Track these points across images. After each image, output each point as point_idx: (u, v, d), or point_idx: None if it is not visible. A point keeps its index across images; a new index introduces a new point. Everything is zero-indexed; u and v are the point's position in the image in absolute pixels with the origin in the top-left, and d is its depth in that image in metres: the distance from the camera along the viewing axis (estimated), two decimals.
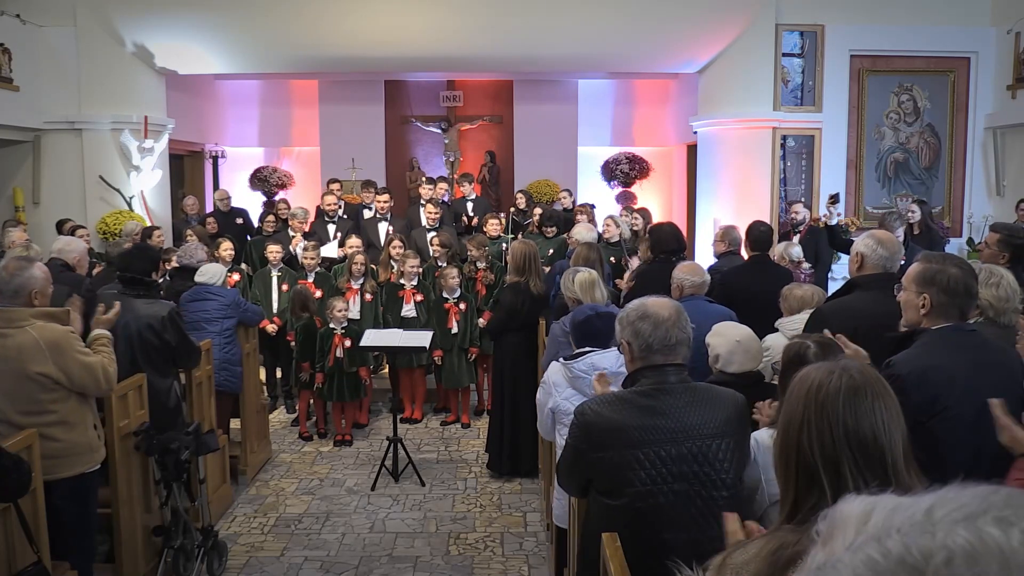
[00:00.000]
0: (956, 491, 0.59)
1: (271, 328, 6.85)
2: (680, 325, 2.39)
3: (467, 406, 7.00)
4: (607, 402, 2.40)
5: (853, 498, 0.66)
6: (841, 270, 7.90)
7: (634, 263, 6.49)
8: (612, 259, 6.61)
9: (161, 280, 6.16)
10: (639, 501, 2.27)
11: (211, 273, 5.69)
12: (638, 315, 2.40)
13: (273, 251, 7.13)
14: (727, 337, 3.25)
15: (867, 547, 0.56)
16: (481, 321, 6.72)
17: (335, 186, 8.83)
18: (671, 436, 2.27)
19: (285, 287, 7.00)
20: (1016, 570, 0.50)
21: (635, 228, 8.10)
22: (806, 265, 6.37)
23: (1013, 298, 3.03)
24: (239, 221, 9.42)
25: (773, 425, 2.53)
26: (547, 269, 6.84)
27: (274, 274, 7.09)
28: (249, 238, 8.56)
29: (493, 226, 7.90)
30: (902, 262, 3.40)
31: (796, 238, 7.20)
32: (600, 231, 7.30)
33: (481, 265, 7.06)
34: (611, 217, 7.63)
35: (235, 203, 9.83)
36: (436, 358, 6.65)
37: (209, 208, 11.22)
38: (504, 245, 7.48)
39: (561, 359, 3.57)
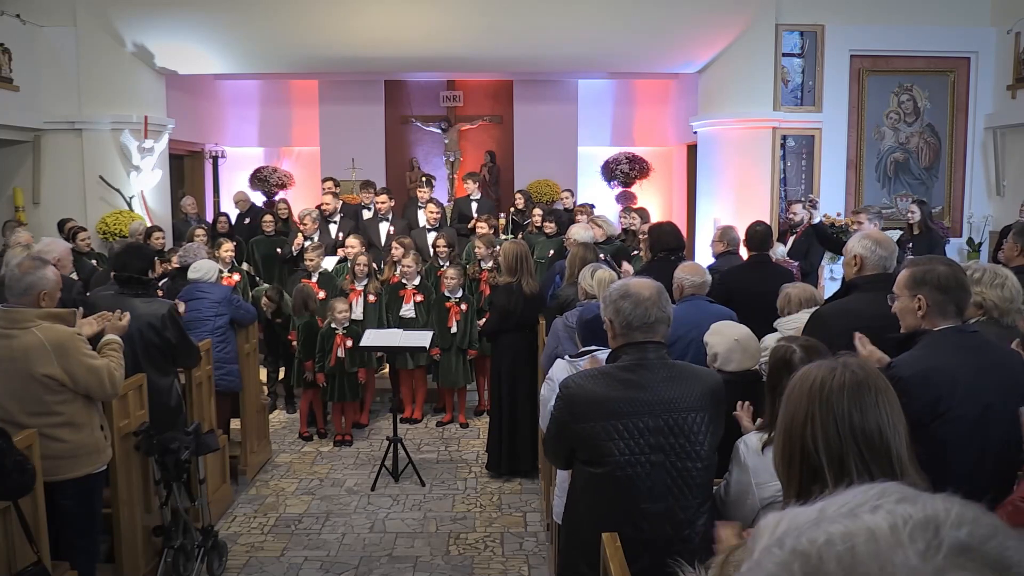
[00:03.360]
0: (843, 492, 0.70)
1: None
2: (660, 305, 2.49)
3: (464, 406, 7.00)
4: (589, 376, 2.53)
5: (769, 513, 0.77)
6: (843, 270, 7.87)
7: (625, 267, 6.48)
8: (601, 257, 6.60)
9: (163, 281, 6.17)
10: (619, 471, 2.39)
11: (204, 269, 5.62)
12: (620, 294, 2.51)
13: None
14: (725, 336, 3.25)
15: (773, 547, 0.66)
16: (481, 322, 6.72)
17: (328, 184, 8.70)
18: (649, 408, 2.39)
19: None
20: (881, 540, 0.60)
21: (632, 227, 8.11)
22: (794, 263, 6.41)
23: (1017, 299, 3.02)
24: (246, 221, 9.39)
25: (761, 428, 2.55)
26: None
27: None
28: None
29: (481, 227, 7.83)
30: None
31: (792, 238, 7.19)
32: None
33: (486, 265, 7.05)
34: (592, 219, 7.64)
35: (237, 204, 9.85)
36: (434, 356, 6.65)
37: (210, 208, 11.24)
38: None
39: (567, 356, 3.58)
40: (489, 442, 5.87)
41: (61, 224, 7.72)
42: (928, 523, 0.60)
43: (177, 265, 6.26)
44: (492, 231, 7.94)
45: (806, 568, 0.61)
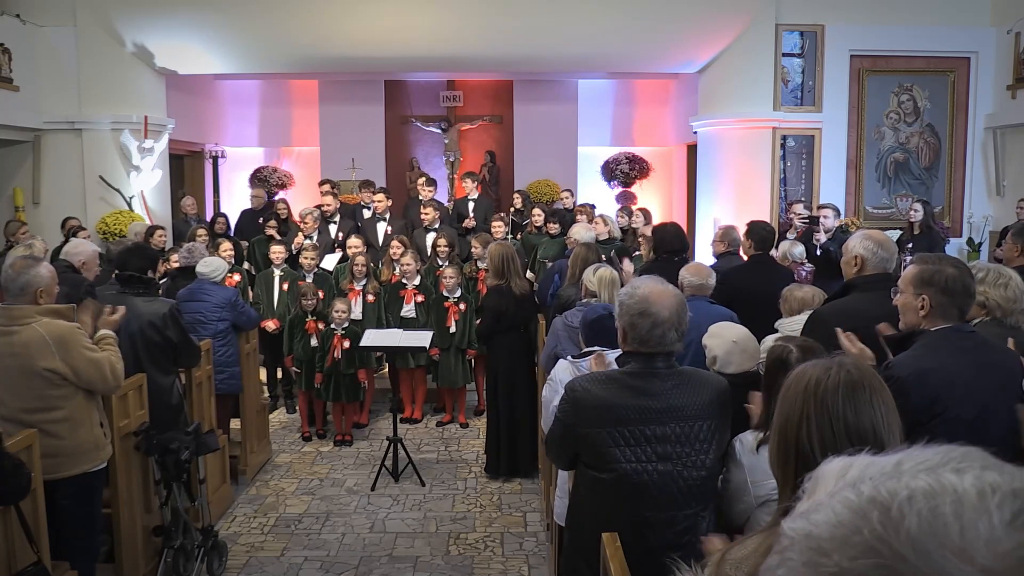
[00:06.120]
0: (921, 449, 0.70)
1: (271, 326, 6.85)
2: (678, 324, 2.43)
3: (463, 406, 7.00)
4: (597, 380, 2.49)
5: (833, 458, 0.77)
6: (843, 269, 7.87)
7: (626, 265, 6.48)
8: (603, 257, 6.61)
9: (163, 280, 6.16)
10: (624, 478, 2.37)
11: (214, 266, 5.65)
12: (639, 310, 2.42)
13: (276, 252, 7.13)
14: (723, 338, 3.24)
15: (844, 491, 0.65)
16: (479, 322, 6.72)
17: (326, 187, 8.69)
18: (657, 417, 2.37)
19: (286, 287, 7.01)
20: (966, 504, 0.59)
21: (634, 227, 8.11)
22: (808, 265, 6.39)
23: (1021, 299, 3.02)
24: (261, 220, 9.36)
25: (756, 427, 2.55)
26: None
27: (276, 274, 7.10)
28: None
29: (498, 227, 7.89)
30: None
31: (792, 237, 7.21)
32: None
33: (483, 264, 7.05)
34: (601, 216, 7.68)
35: (236, 203, 9.83)
36: (433, 356, 6.66)
37: (210, 209, 11.24)
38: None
39: (569, 357, 3.58)
40: (488, 445, 5.87)
41: (64, 223, 7.71)
42: (1017, 495, 0.60)
43: (177, 265, 6.26)
44: (508, 228, 7.93)
45: (884, 520, 0.60)
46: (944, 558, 0.57)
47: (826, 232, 6.65)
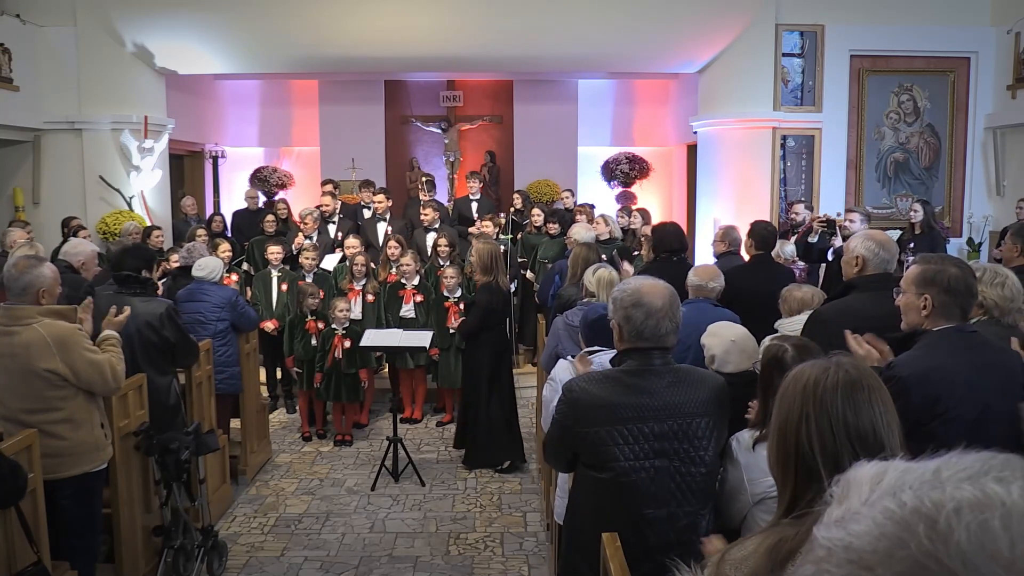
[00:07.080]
0: (959, 456, 0.68)
1: (270, 327, 6.85)
2: (671, 315, 2.45)
3: None
4: (594, 380, 2.49)
5: (865, 463, 0.74)
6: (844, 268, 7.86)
7: (626, 266, 6.49)
8: (603, 257, 6.62)
9: (163, 280, 6.16)
10: (623, 476, 2.37)
11: (210, 267, 5.64)
12: (632, 302, 2.44)
13: (274, 252, 7.13)
14: (722, 337, 3.24)
15: (884, 500, 0.63)
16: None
17: (328, 187, 8.74)
18: (654, 414, 2.37)
19: (284, 287, 7.01)
20: (1015, 517, 0.58)
21: (633, 227, 8.12)
22: (800, 263, 6.41)
23: (1018, 298, 3.03)
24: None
25: (753, 426, 2.55)
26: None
27: (274, 274, 7.10)
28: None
29: (486, 227, 7.86)
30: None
31: (794, 238, 7.22)
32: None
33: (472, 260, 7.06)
34: (602, 216, 7.68)
35: (236, 204, 9.83)
36: (433, 356, 6.66)
37: (210, 209, 11.24)
38: (502, 247, 7.48)
39: (570, 357, 3.58)
40: (465, 439, 5.93)
41: (65, 222, 7.72)
42: None
43: (178, 264, 6.26)
44: (498, 229, 7.94)
45: (931, 534, 0.58)
46: (994, 573, 0.56)
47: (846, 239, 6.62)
